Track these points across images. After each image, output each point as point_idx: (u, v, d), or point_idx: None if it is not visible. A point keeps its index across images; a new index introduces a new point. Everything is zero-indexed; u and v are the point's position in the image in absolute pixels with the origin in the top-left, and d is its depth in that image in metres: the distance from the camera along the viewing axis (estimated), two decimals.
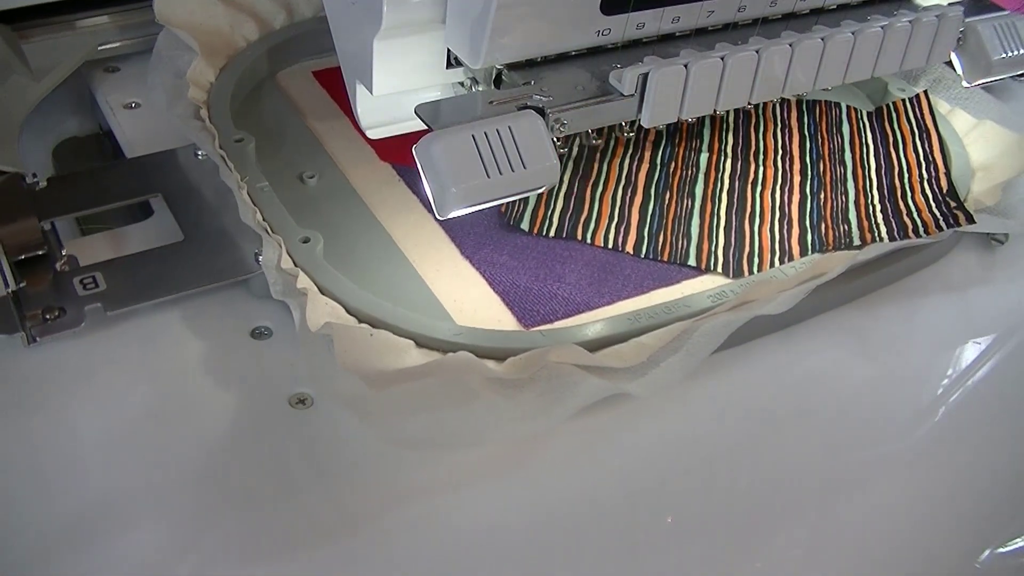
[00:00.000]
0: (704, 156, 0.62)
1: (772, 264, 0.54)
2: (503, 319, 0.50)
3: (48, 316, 0.47)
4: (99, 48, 0.67)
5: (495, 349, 0.46)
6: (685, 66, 0.46)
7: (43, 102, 0.62)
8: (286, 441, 0.45)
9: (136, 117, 0.64)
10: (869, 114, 0.67)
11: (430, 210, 0.53)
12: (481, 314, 0.50)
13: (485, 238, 0.55)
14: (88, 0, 0.68)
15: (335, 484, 0.43)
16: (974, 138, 0.64)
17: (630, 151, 0.62)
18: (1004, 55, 0.56)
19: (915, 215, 0.57)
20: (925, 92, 0.67)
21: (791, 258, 0.55)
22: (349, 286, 0.48)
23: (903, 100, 0.67)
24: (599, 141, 0.52)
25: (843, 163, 0.63)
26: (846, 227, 0.57)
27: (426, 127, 0.43)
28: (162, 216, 0.55)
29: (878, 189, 0.61)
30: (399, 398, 0.44)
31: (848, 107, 0.67)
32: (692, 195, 0.59)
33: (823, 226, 0.57)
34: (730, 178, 0.61)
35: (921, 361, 0.53)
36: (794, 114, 0.66)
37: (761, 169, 0.61)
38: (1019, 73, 0.59)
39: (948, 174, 0.61)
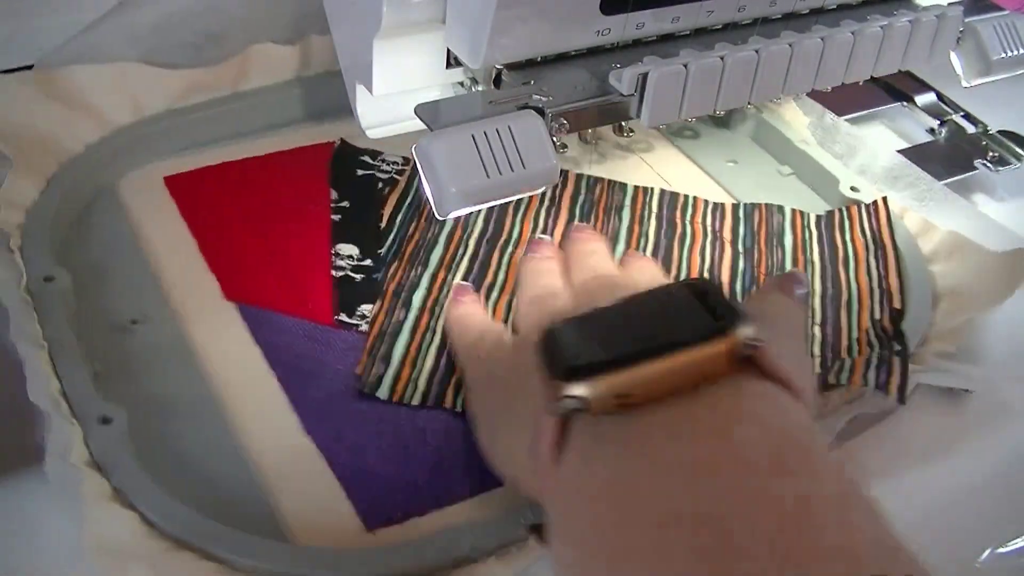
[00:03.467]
0: None
1: None
2: (343, 518, 0.40)
3: None
4: None
5: (328, 567, 0.38)
6: (685, 66, 0.46)
7: None
8: None
9: None
10: (818, 219, 0.57)
11: (274, 370, 0.46)
12: (318, 513, 0.41)
13: (335, 408, 0.45)
14: None
15: None
16: (940, 256, 0.54)
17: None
18: (1004, 55, 0.56)
19: (849, 366, 0.46)
20: (884, 199, 0.57)
21: None
22: (152, 486, 0.38)
23: (858, 206, 0.57)
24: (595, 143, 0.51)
25: None
26: None
27: (426, 127, 0.42)
28: None
29: (820, 325, 0.51)
30: None
31: (793, 212, 0.58)
32: None
33: None
34: None
35: None
36: (728, 222, 0.56)
37: None
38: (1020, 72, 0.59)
39: (902, 305, 0.51)
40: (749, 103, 0.49)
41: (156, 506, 0.38)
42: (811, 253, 0.55)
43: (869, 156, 0.62)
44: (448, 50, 0.47)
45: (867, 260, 0.54)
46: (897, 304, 0.52)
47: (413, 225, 0.54)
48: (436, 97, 0.49)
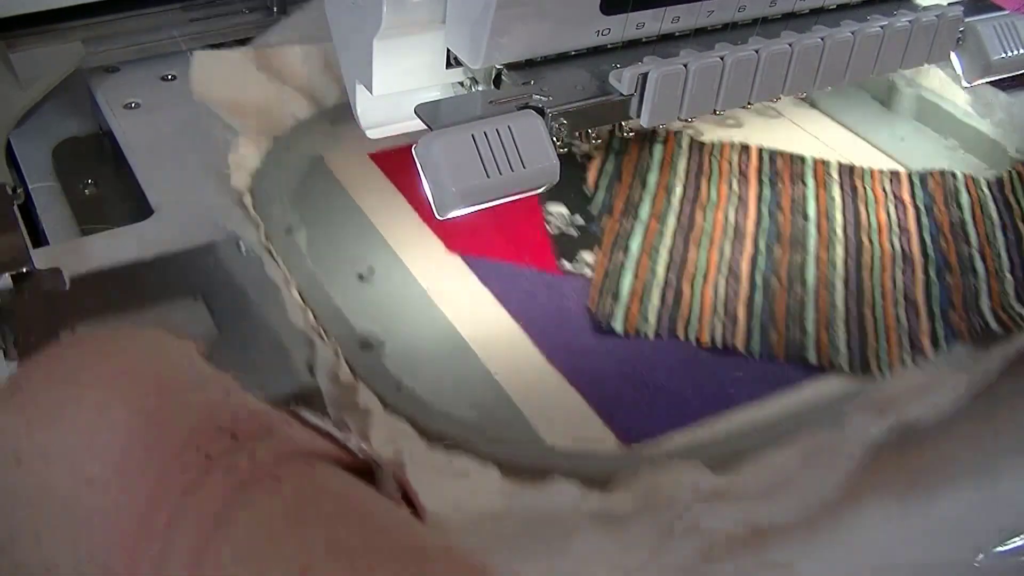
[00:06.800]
0: (812, 240, 0.58)
1: (902, 359, 0.50)
2: (599, 435, 0.45)
3: None
4: (88, 56, 0.66)
5: (594, 473, 0.41)
6: (685, 66, 0.46)
7: (42, 102, 0.61)
8: None
9: (136, 117, 0.62)
10: (988, 182, 0.62)
11: (507, 308, 0.51)
12: (573, 429, 0.45)
13: (572, 340, 0.50)
14: (77, 9, 0.67)
15: None
16: None
17: (729, 235, 0.58)
18: (1004, 55, 0.56)
19: None
20: None
21: (920, 350, 0.50)
22: (418, 399, 0.44)
23: None
24: (597, 141, 0.52)
25: (967, 241, 0.58)
26: (979, 319, 0.51)
27: (426, 127, 0.43)
28: (198, 315, 0.50)
29: (1011, 271, 0.55)
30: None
31: (965, 176, 0.62)
32: (803, 282, 0.55)
33: (952, 313, 0.53)
34: (843, 262, 0.56)
35: None
36: (905, 187, 0.62)
37: (877, 251, 0.57)
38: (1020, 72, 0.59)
39: None
40: (749, 103, 0.49)
41: (427, 415, 0.43)
42: (988, 210, 0.60)
43: None
44: (448, 50, 0.47)
45: None
46: None
47: (617, 186, 0.61)
48: (436, 97, 0.49)
